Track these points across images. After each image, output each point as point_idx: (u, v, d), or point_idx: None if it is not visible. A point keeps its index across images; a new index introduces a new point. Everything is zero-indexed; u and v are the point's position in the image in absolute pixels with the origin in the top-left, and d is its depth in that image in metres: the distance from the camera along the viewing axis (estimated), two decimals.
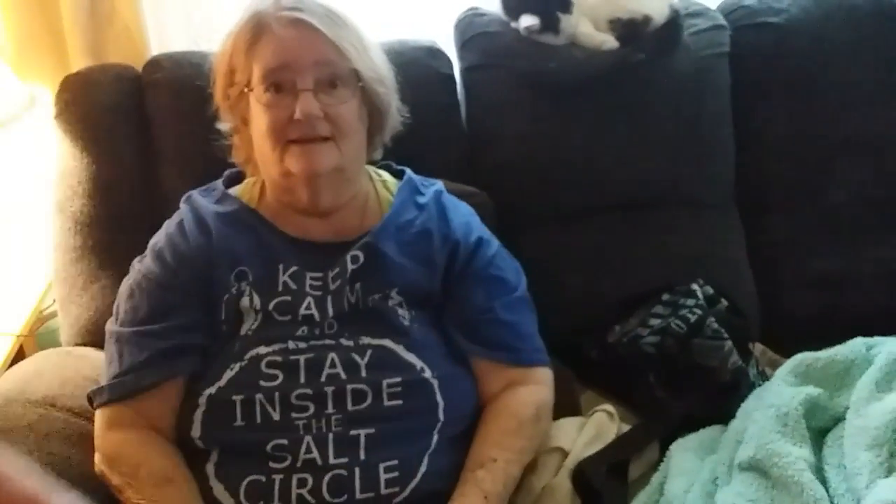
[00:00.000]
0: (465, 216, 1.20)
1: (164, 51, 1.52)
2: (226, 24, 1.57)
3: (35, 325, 1.58)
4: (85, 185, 1.34)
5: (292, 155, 1.06)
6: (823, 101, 1.55)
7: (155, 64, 1.41)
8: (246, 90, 1.08)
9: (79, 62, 1.47)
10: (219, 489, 0.98)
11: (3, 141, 1.37)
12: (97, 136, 1.35)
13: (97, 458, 1.02)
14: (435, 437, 1.03)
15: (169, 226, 1.14)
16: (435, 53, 1.51)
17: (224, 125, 1.17)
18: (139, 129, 1.38)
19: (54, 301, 1.61)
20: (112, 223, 1.35)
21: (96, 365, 1.19)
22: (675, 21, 1.49)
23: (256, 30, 1.07)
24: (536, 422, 1.10)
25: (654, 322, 1.30)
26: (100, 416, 1.04)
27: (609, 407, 1.20)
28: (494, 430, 1.07)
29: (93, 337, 1.32)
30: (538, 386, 1.13)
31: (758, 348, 1.39)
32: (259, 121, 1.07)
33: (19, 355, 1.47)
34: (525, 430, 1.08)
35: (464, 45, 1.53)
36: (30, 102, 1.38)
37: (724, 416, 1.17)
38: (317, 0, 1.09)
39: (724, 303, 1.33)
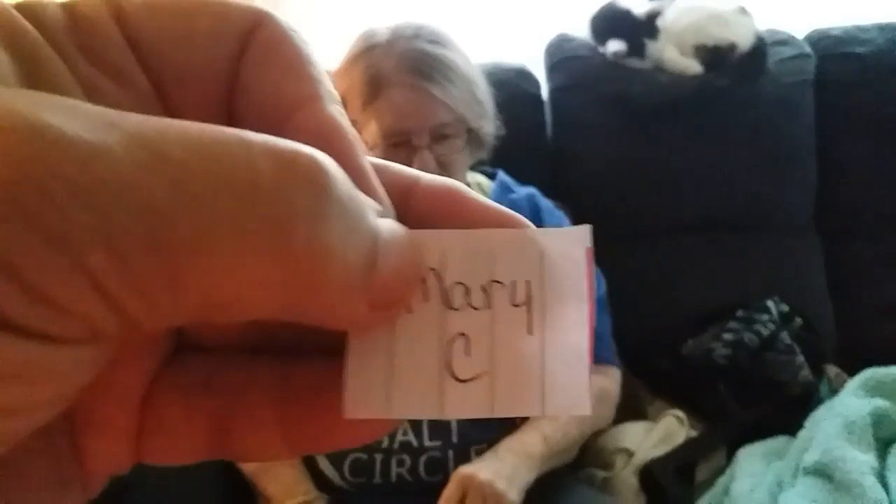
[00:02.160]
0: (558, 220, 1.28)
1: None
2: (331, 46, 1.73)
3: None
4: None
5: None
6: None
7: None
8: (359, 130, 1.15)
9: None
10: (325, 464, 1.08)
11: None
12: None
13: None
14: (517, 424, 1.10)
15: None
16: (524, 75, 1.59)
17: None
18: None
19: None
20: None
21: None
22: (760, 48, 1.54)
23: (375, 86, 1.12)
24: (599, 401, 1.16)
25: (728, 336, 1.34)
26: None
27: (678, 412, 1.25)
28: None
29: None
30: (605, 378, 1.20)
31: (832, 370, 1.40)
32: None
33: None
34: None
35: (553, 67, 1.61)
36: None
37: (792, 427, 1.20)
38: (432, 52, 1.13)
39: (799, 321, 1.36)
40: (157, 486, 1.02)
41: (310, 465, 1.08)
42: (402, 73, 1.11)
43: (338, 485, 1.07)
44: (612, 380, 1.20)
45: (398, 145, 1.13)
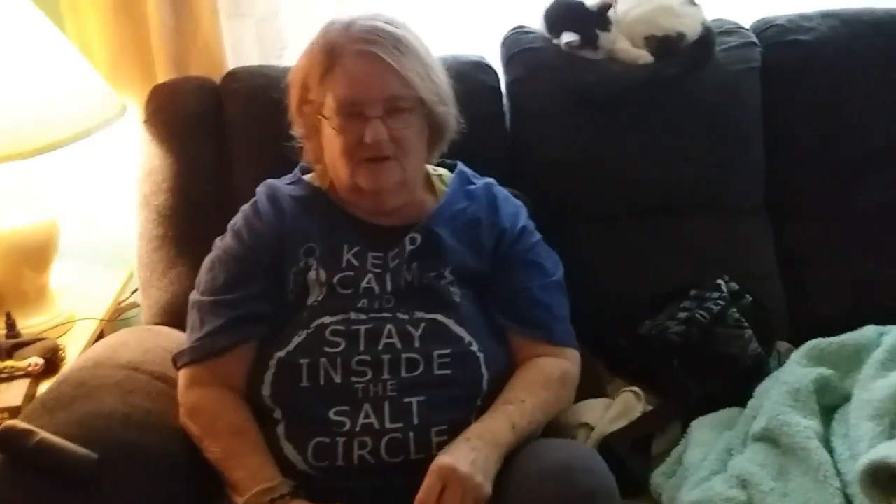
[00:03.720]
0: (514, 207, 1.32)
1: (239, 64, 1.68)
2: (293, 41, 1.76)
3: (114, 314, 1.74)
4: (168, 182, 1.50)
5: (362, 173, 1.18)
6: (851, 115, 1.62)
7: (232, 76, 1.58)
8: (319, 116, 1.20)
9: (164, 74, 1.63)
10: (289, 448, 1.10)
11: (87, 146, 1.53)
12: (180, 140, 1.51)
13: (181, 412, 1.16)
14: (478, 406, 1.13)
15: (245, 207, 1.28)
16: (482, 67, 1.62)
17: (297, 131, 1.29)
18: (217, 134, 1.54)
19: (131, 294, 1.79)
20: (190, 216, 1.50)
21: (173, 339, 1.34)
22: (707, 38, 1.59)
23: (330, 58, 1.17)
24: (562, 384, 1.20)
25: (682, 315, 1.38)
26: (182, 375, 1.18)
27: (636, 388, 1.30)
28: (524, 379, 1.17)
29: (170, 317, 1.47)
30: (566, 360, 1.24)
31: (783, 346, 1.45)
32: (332, 141, 1.19)
33: (99, 338, 1.63)
34: (551, 386, 1.18)
35: (509, 59, 1.64)
36: (122, 110, 1.54)
37: (743, 399, 1.26)
38: (386, 28, 1.18)
39: (749, 298, 1.41)
40: (126, 473, 1.04)
41: (274, 450, 1.11)
42: (356, 43, 1.16)
43: (301, 469, 1.09)
44: (572, 362, 1.24)
45: (352, 116, 1.17)
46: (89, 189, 1.77)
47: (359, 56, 1.16)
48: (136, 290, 1.81)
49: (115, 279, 1.77)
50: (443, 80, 1.25)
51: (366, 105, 1.15)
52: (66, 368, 1.42)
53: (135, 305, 1.83)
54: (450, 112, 1.27)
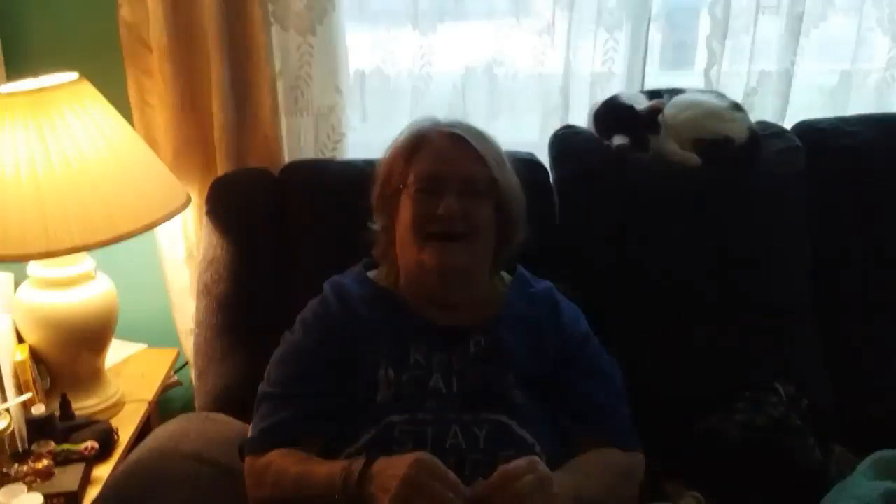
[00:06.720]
0: (575, 312, 1.34)
1: (294, 155, 1.74)
2: (344, 136, 1.81)
3: (158, 392, 1.75)
4: (229, 273, 1.53)
5: (430, 250, 1.22)
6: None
7: (292, 168, 1.62)
8: (401, 187, 1.27)
9: (224, 166, 1.69)
10: None
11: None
12: (241, 231, 1.55)
13: (249, 490, 1.16)
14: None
15: (314, 303, 1.31)
16: (532, 164, 1.65)
17: (375, 224, 1.34)
18: (276, 225, 1.57)
19: (175, 372, 1.81)
20: (249, 307, 1.52)
21: (233, 428, 1.36)
22: (754, 141, 1.64)
23: (417, 141, 1.28)
24: (627, 476, 1.22)
25: (738, 417, 1.39)
26: (248, 462, 1.19)
27: (696, 494, 1.29)
28: (594, 457, 1.19)
29: (224, 403, 1.48)
30: (635, 459, 1.25)
31: (837, 449, 1.45)
32: (406, 214, 1.25)
33: (147, 420, 1.64)
34: (621, 472, 1.20)
35: (558, 157, 1.68)
36: (187, 202, 1.57)
37: None
38: (473, 125, 1.31)
39: (806, 402, 1.41)
40: None
41: None
42: (443, 129, 1.28)
43: None
44: (639, 463, 1.25)
45: (430, 192, 1.23)
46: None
47: (446, 137, 1.27)
48: (180, 369, 1.85)
49: (162, 359, 1.79)
50: (516, 182, 1.32)
51: (446, 181, 1.23)
52: (124, 455, 1.42)
53: (178, 384, 1.86)
54: (521, 212, 1.32)
